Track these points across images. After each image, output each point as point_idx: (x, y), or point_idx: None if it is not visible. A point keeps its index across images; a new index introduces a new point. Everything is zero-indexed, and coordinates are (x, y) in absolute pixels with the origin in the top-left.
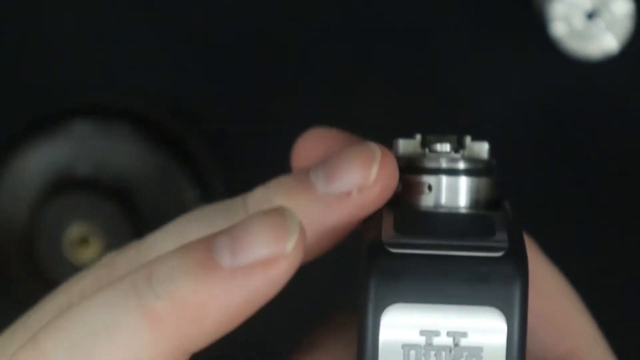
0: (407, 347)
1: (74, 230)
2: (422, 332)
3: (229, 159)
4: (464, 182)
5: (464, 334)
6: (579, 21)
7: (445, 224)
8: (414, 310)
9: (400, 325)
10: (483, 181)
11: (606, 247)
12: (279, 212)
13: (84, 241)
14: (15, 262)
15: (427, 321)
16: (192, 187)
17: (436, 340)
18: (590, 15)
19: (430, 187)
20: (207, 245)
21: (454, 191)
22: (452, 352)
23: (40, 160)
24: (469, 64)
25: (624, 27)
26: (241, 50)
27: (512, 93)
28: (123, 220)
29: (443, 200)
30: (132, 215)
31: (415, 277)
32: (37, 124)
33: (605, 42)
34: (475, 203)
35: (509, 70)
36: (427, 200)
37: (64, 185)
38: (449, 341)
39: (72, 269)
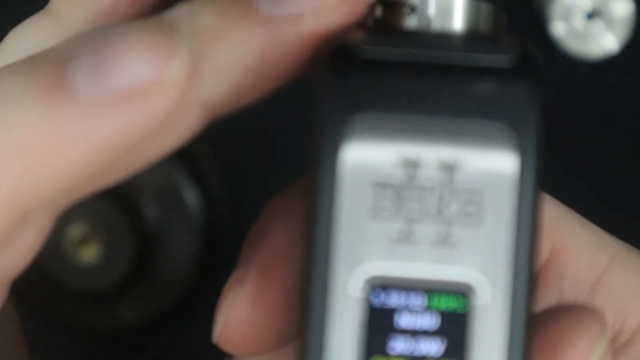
0: (379, 180)
1: (74, 230)
2: (401, 161)
3: (229, 159)
4: (457, 2)
5: (459, 163)
6: (579, 21)
7: (436, 38)
8: (390, 126)
9: (370, 151)
10: (484, 5)
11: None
12: (162, 23)
13: (84, 241)
14: None
15: (409, 145)
16: (192, 187)
17: (420, 173)
18: (590, 15)
19: (413, 9)
20: (59, 64)
21: (444, 13)
22: (443, 192)
23: None
24: None
25: (624, 27)
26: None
27: None
28: (123, 220)
29: (431, 24)
30: (132, 215)
31: (393, 86)
32: None
33: (605, 42)
34: (473, 31)
35: None
36: (410, 24)
37: None
38: (437, 174)
39: (72, 269)
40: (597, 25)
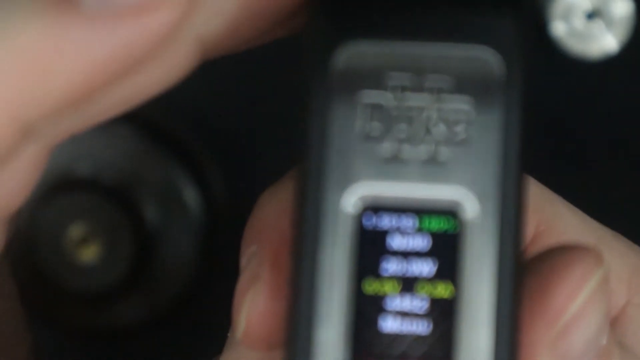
0: (368, 101)
1: (74, 230)
2: (389, 82)
3: (229, 159)
4: None
5: (446, 83)
6: (579, 21)
7: None
8: (378, 52)
9: (359, 76)
10: None
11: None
12: None
13: (84, 241)
14: (14, 262)
15: (396, 65)
16: (192, 187)
17: (408, 93)
18: (590, 15)
19: None
20: None
21: None
22: (431, 111)
23: None
24: None
25: (624, 27)
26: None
27: None
28: (123, 220)
29: None
30: (132, 215)
31: (380, 13)
32: None
33: (605, 42)
34: None
35: None
36: None
37: (64, 186)
38: (426, 94)
39: (72, 269)
40: (597, 25)
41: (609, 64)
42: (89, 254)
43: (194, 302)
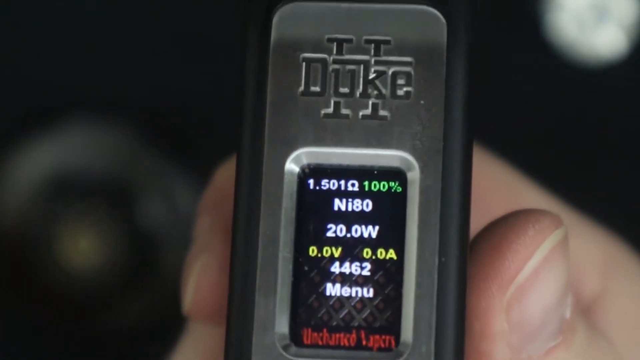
0: (308, 60)
1: (71, 231)
2: (329, 39)
3: (230, 158)
4: None
5: (387, 41)
6: (580, 23)
7: None
8: (318, 10)
9: (299, 34)
10: None
11: None
12: None
13: (81, 245)
14: (9, 264)
15: (336, 24)
16: (192, 187)
17: (348, 50)
18: (594, 18)
19: None
20: None
21: None
22: (371, 68)
23: (36, 159)
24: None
25: (629, 30)
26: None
27: (512, 96)
28: (121, 220)
29: None
30: (131, 216)
31: None
32: (31, 123)
33: (608, 44)
34: None
35: (508, 73)
36: None
37: (60, 185)
38: (366, 51)
39: (66, 273)
40: (601, 27)
41: (612, 67)
42: (84, 257)
43: None
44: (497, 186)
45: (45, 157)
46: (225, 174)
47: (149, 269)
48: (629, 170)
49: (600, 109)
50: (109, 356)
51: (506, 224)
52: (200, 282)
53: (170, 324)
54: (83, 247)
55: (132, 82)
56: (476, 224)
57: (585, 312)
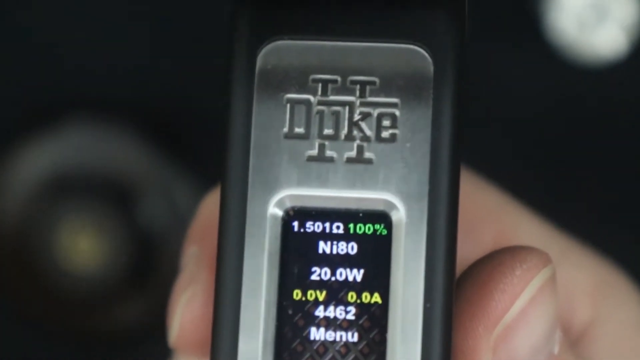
0: (292, 101)
1: (71, 231)
2: (314, 80)
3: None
4: None
5: (372, 82)
6: (580, 23)
7: None
8: (303, 49)
9: (282, 70)
10: None
11: (608, 253)
12: None
13: (81, 244)
14: (9, 263)
15: (321, 64)
16: (192, 187)
17: (333, 91)
18: (594, 18)
19: None
20: None
21: None
22: (356, 110)
23: (36, 159)
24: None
25: (629, 30)
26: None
27: (512, 96)
28: (121, 220)
29: None
30: (131, 216)
31: (300, 8)
32: (31, 123)
33: (608, 44)
34: None
35: (509, 73)
36: None
37: (60, 185)
38: (352, 92)
39: (67, 273)
40: (600, 27)
41: (612, 67)
42: (85, 254)
43: None
44: (487, 213)
45: (45, 157)
46: (211, 204)
47: (149, 269)
48: (629, 170)
49: (600, 109)
50: (109, 356)
51: (493, 262)
52: (186, 314)
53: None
54: (83, 247)
55: (132, 82)
56: (466, 253)
57: (575, 340)
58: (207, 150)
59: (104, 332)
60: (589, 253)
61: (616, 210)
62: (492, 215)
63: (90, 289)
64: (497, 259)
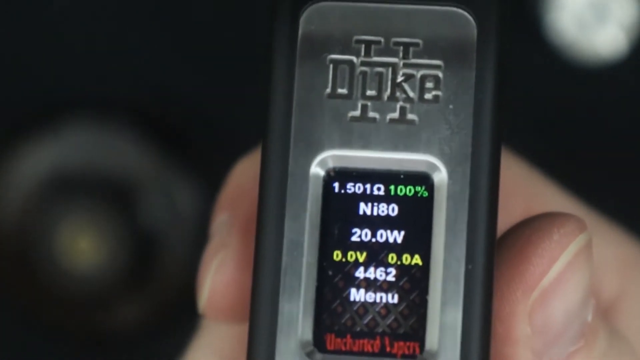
0: (335, 61)
1: (71, 231)
2: (357, 41)
3: (230, 159)
4: None
5: (416, 44)
6: (580, 23)
7: None
8: (346, 11)
9: (326, 29)
10: None
11: None
12: None
13: (81, 245)
14: (9, 263)
15: (364, 25)
16: (192, 186)
17: (377, 52)
18: (594, 18)
19: None
20: None
21: None
22: (400, 71)
23: (36, 159)
24: None
25: (629, 30)
26: (243, 46)
27: (512, 96)
28: (121, 220)
29: None
30: (131, 215)
31: None
32: (31, 123)
33: (608, 44)
34: None
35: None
36: None
37: (60, 185)
38: (395, 53)
39: (67, 273)
40: (600, 27)
41: (613, 67)
42: (85, 254)
43: (194, 305)
44: (517, 186)
45: (45, 157)
46: (243, 171)
47: (149, 268)
48: (629, 170)
49: (600, 109)
50: (109, 356)
51: (530, 228)
52: (217, 280)
53: (171, 323)
54: (83, 247)
55: (132, 82)
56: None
57: (603, 314)
58: (208, 151)
59: (104, 332)
60: (615, 228)
61: (616, 211)
62: (521, 188)
63: (90, 289)
64: (535, 224)
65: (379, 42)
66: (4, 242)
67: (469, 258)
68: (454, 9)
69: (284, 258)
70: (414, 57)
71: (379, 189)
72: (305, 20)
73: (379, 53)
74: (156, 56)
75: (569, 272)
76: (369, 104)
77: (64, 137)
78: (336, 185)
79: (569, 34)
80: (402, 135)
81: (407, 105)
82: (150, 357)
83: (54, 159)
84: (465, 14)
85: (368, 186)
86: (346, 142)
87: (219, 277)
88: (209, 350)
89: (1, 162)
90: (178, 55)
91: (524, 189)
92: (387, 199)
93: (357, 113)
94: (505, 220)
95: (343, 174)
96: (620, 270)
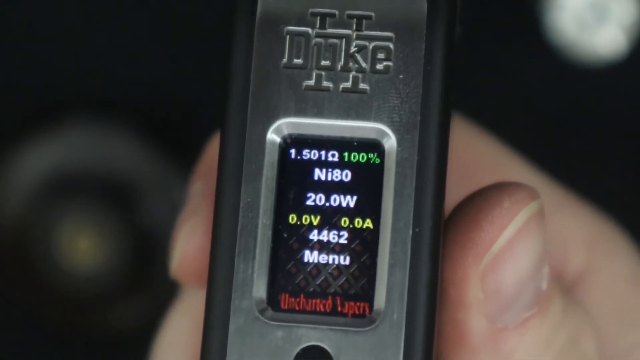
0: (292, 33)
1: (71, 231)
2: (312, 13)
3: None
4: None
5: (369, 16)
6: (580, 23)
7: None
8: None
9: (282, 2)
10: None
11: None
12: None
13: (80, 242)
14: (9, 263)
15: (320, 5)
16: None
17: (331, 24)
18: (594, 18)
19: None
20: None
21: None
22: (353, 42)
23: (36, 159)
24: (468, 68)
25: (629, 30)
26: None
27: (511, 96)
28: (121, 220)
29: None
30: (131, 215)
31: None
32: (31, 123)
33: (608, 44)
34: None
35: (508, 73)
36: None
37: (60, 185)
38: (348, 25)
39: (66, 273)
40: (601, 27)
41: (613, 67)
42: (85, 254)
43: None
44: (484, 159)
45: (45, 157)
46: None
47: (149, 269)
48: (628, 170)
49: (600, 109)
50: (109, 356)
51: (482, 196)
52: (187, 244)
53: None
54: (83, 247)
55: (132, 82)
56: (460, 196)
57: (569, 287)
58: None
59: (104, 332)
60: (585, 205)
61: (616, 210)
62: (490, 162)
63: (90, 289)
64: (487, 193)
65: (333, 15)
66: (4, 242)
67: (416, 222)
68: None
69: (240, 220)
70: (367, 29)
71: (333, 155)
72: None
73: (333, 25)
74: (156, 56)
75: (519, 239)
76: (323, 73)
77: (64, 137)
78: (292, 151)
79: (569, 34)
80: (354, 104)
81: (360, 75)
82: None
83: (54, 159)
84: None
85: (322, 152)
86: (301, 110)
87: (189, 242)
88: (187, 314)
89: (1, 162)
90: (178, 56)
91: (490, 163)
92: (341, 165)
93: (312, 82)
94: (470, 192)
95: (298, 141)
96: (588, 245)
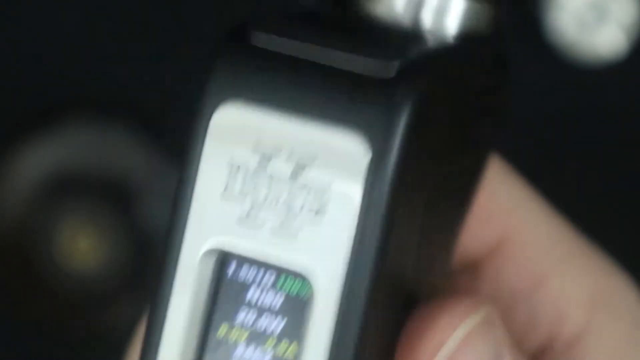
0: (234, 167)
1: (71, 231)
2: (255, 149)
3: None
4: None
5: (309, 161)
6: (580, 23)
7: (331, 33)
8: (253, 114)
9: (231, 132)
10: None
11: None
12: None
13: (80, 242)
14: (10, 263)
15: (266, 133)
16: None
17: (272, 164)
18: (594, 18)
19: None
20: None
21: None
22: (290, 185)
23: (36, 159)
24: None
25: (629, 30)
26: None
27: (512, 98)
28: (121, 220)
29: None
30: (131, 216)
31: (263, 78)
32: (31, 123)
33: (608, 44)
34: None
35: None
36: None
37: (60, 185)
38: (287, 168)
39: (67, 270)
40: (601, 28)
41: (613, 68)
42: (85, 254)
43: None
44: (499, 208)
45: (45, 157)
46: None
47: (149, 269)
48: (628, 170)
49: (600, 109)
50: (109, 356)
51: (421, 313)
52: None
53: None
54: (83, 247)
55: (132, 82)
56: (470, 245)
57: (566, 348)
58: None
59: (104, 331)
60: (592, 258)
61: (616, 210)
62: (503, 211)
63: (90, 289)
64: (428, 310)
65: (276, 152)
66: (4, 242)
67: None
68: (350, 129)
69: (165, 329)
70: (307, 170)
71: (269, 281)
72: (218, 116)
73: (274, 162)
74: (156, 56)
75: (461, 354)
76: (256, 209)
77: (64, 137)
78: (225, 270)
79: (569, 34)
80: (283, 242)
81: (292, 218)
82: None
83: (54, 159)
84: (360, 136)
85: (259, 275)
86: (235, 239)
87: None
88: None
89: (1, 162)
90: (178, 56)
91: (505, 212)
92: (275, 290)
93: (245, 215)
94: (481, 241)
95: (231, 260)
96: (590, 304)
